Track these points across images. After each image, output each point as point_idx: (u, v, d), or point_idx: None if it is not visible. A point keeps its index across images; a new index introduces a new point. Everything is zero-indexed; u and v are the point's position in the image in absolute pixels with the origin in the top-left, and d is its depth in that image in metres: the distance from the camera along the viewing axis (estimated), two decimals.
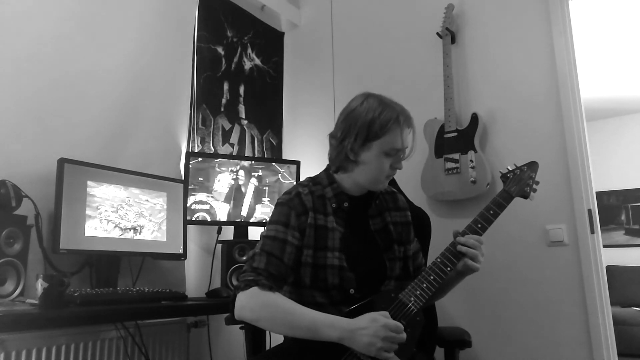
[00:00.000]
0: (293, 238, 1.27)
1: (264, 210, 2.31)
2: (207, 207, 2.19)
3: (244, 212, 2.27)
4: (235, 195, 2.24)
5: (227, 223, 2.28)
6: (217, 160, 2.27)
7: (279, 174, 2.35)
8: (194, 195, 2.17)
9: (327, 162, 1.40)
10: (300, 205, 1.31)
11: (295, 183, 2.37)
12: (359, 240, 1.35)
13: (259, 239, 1.31)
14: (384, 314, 1.15)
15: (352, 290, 1.28)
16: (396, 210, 1.45)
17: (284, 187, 2.34)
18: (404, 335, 1.13)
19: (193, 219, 2.18)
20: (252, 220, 2.30)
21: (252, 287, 1.20)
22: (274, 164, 2.39)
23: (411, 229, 1.46)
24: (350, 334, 1.12)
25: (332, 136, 1.37)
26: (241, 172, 2.28)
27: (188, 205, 2.15)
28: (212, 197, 2.21)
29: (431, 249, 1.70)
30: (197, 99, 2.45)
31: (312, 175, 1.43)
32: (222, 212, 2.22)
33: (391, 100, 1.34)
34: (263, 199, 2.31)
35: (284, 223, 1.28)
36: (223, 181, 2.23)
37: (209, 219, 2.20)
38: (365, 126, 1.28)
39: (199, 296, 2.16)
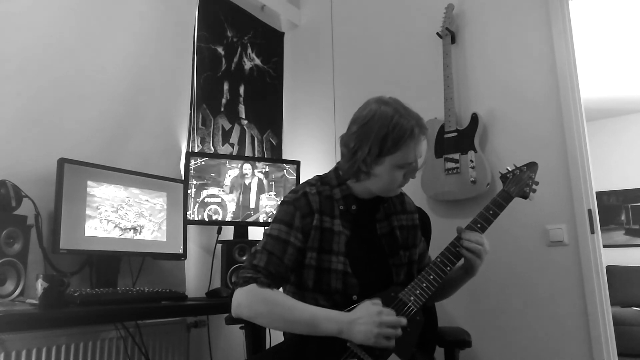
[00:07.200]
0: (295, 239, 1.27)
1: (270, 203, 2.37)
2: (218, 200, 2.27)
3: (252, 204, 2.34)
4: (242, 188, 2.33)
5: (227, 223, 2.29)
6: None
7: (285, 170, 2.42)
8: (206, 189, 2.26)
9: (327, 161, 1.40)
10: (306, 205, 1.30)
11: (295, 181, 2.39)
12: (364, 245, 1.34)
13: (261, 237, 1.30)
14: (376, 302, 1.16)
15: (355, 297, 1.27)
16: (403, 214, 1.43)
17: (289, 182, 2.40)
18: (402, 319, 1.14)
19: (206, 211, 2.23)
20: (257, 215, 2.35)
21: (251, 284, 1.20)
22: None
23: (418, 232, 1.45)
24: (348, 325, 1.13)
25: (343, 144, 1.33)
26: (248, 167, 2.35)
27: (201, 198, 2.23)
28: (223, 191, 2.29)
29: (431, 249, 1.69)
30: (197, 99, 2.45)
31: (320, 174, 1.41)
32: (232, 204, 2.31)
33: (406, 108, 1.28)
34: (270, 192, 2.38)
35: (287, 223, 1.28)
36: (233, 176, 2.33)
37: (220, 212, 2.27)
38: (377, 142, 1.24)
39: (199, 296, 2.16)
